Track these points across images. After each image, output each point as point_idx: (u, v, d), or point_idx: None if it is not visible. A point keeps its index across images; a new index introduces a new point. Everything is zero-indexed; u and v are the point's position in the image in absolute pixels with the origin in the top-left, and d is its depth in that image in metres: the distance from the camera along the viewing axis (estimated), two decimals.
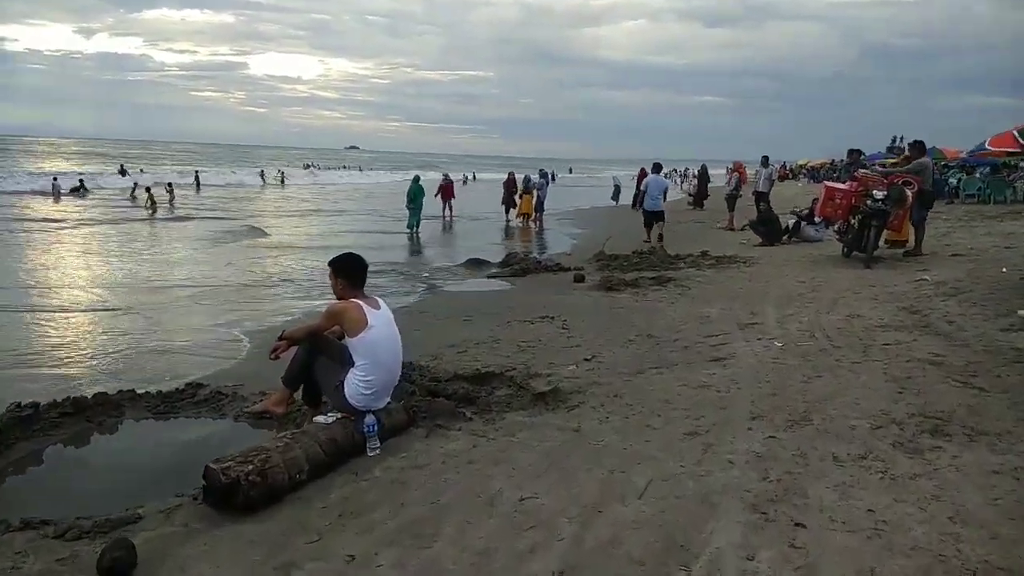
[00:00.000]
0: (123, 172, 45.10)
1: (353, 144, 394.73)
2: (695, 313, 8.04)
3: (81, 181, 35.30)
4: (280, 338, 4.60)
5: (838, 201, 12.08)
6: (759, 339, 6.65)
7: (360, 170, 71.08)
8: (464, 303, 9.36)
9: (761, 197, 17.29)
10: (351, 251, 4.72)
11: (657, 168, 17.24)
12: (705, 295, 9.20)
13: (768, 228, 14.71)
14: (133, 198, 30.02)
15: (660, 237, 16.80)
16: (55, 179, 33.86)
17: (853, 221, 11.57)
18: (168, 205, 28.63)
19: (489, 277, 11.75)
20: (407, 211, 19.56)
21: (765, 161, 18.98)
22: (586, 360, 6.16)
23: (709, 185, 29.41)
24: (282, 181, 50.69)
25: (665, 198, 17.21)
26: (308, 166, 68.39)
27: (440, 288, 10.80)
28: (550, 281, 11.11)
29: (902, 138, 53.28)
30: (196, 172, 44.81)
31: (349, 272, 4.45)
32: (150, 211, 26.45)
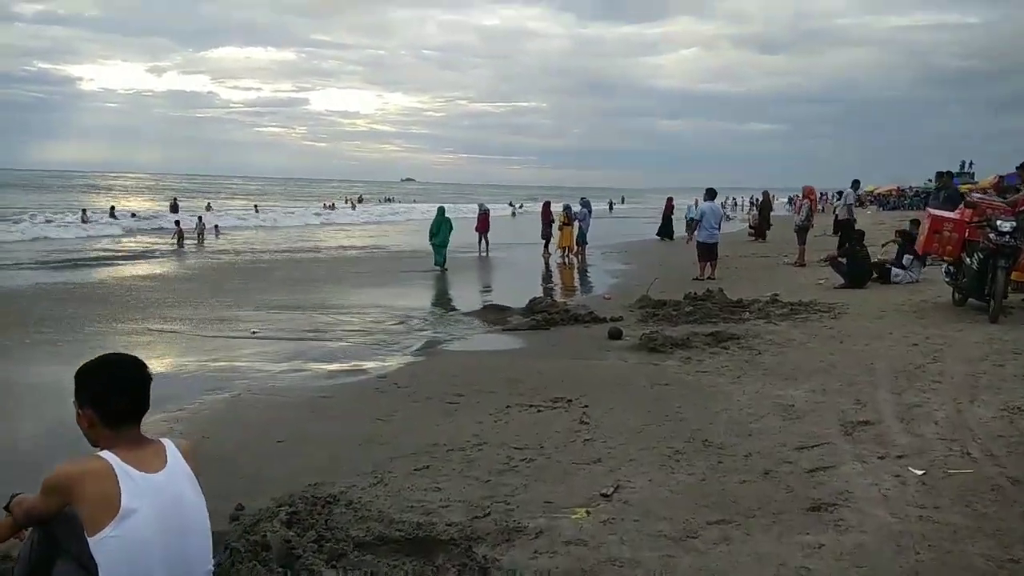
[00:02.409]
0: (175, 208, 43.70)
1: (409, 176, 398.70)
2: (772, 398, 5.67)
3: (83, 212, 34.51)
4: (6, 507, 2.43)
5: (947, 234, 9.56)
6: (880, 457, 4.26)
7: (394, 201, 69.27)
8: (460, 372, 7.15)
9: (846, 227, 14.80)
10: (112, 353, 2.49)
11: (711, 195, 14.89)
12: (783, 365, 6.80)
13: (854, 266, 12.14)
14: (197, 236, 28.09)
15: (712, 274, 14.46)
16: None
17: (969, 260, 9.01)
18: (196, 240, 27.46)
19: (505, 331, 9.54)
20: (431, 247, 17.52)
21: (856, 185, 16.62)
22: (604, 496, 3.88)
23: (772, 214, 26.81)
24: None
25: (720, 228, 14.83)
26: (360, 199, 66.92)
27: (440, 346, 8.63)
28: (579, 337, 8.85)
29: (971, 163, 48.92)
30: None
31: (101, 397, 2.26)
32: (175, 246, 25.37)
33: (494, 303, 11.47)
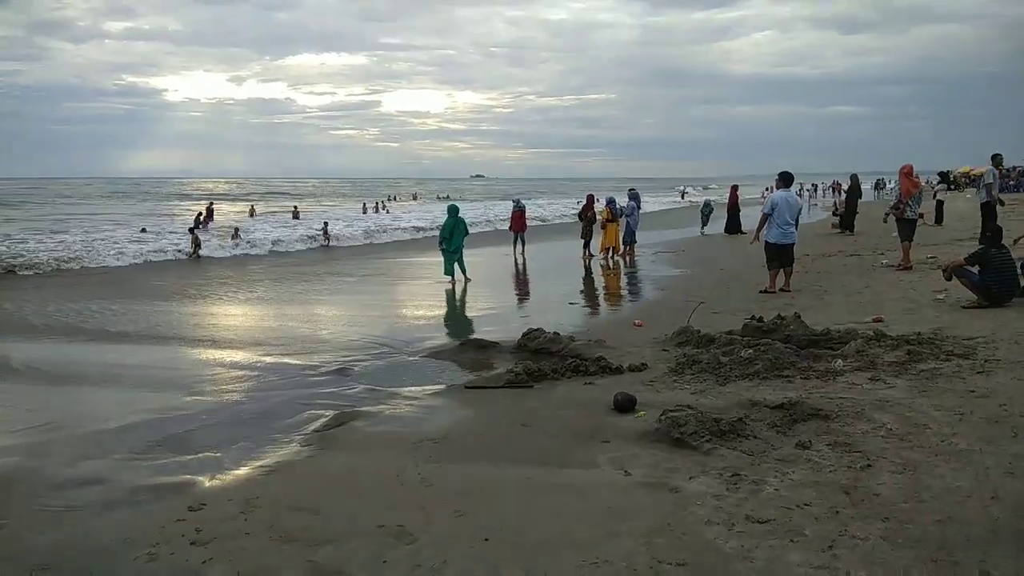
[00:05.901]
0: (209, 214, 40.28)
1: (479, 173, 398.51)
2: None
3: None
4: None
5: None
6: None
7: (449, 199, 65.21)
8: (328, 500, 4.13)
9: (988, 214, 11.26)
10: None
11: (786, 181, 11.34)
12: (920, 503, 3.52)
13: (992, 277, 8.54)
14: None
15: (787, 284, 11.04)
16: None
17: None
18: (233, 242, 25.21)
19: (467, 387, 6.47)
20: (442, 253, 14.53)
21: (998, 160, 13.25)
22: None
23: (860, 201, 22.77)
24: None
25: (797, 225, 11.37)
26: (391, 198, 63.68)
27: (351, 423, 5.59)
28: (569, 405, 5.71)
29: None
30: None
31: None
32: (193, 255, 23.29)
33: (480, 337, 8.43)
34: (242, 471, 4.66)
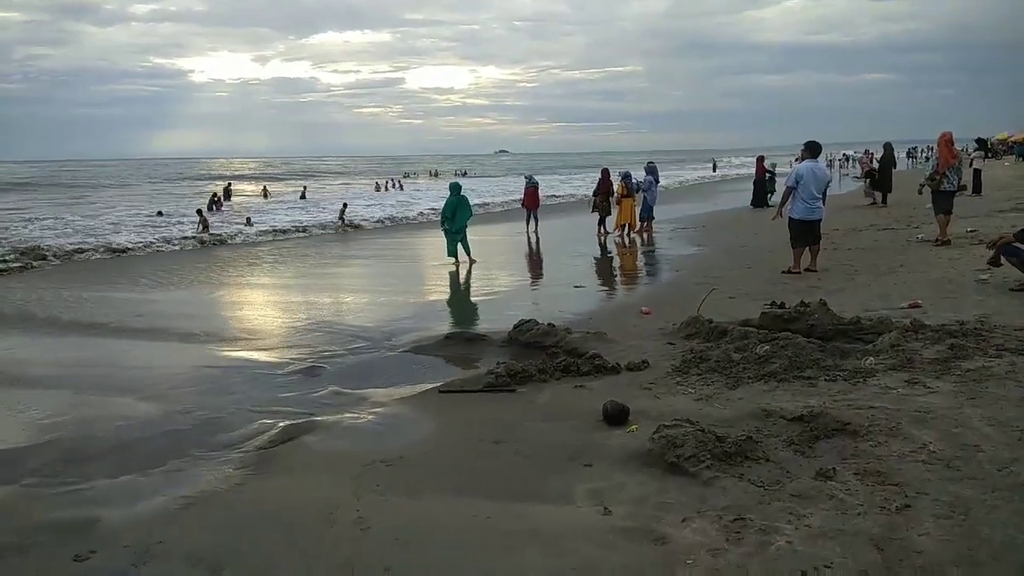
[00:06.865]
0: (227, 194, 39.52)
1: (503, 148, 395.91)
2: None
3: None
4: None
5: None
6: None
7: (468, 175, 64.92)
8: (239, 549, 3.42)
9: None
10: None
11: (814, 150, 10.32)
12: (971, 568, 2.70)
13: None
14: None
15: (813, 264, 10.13)
16: None
17: None
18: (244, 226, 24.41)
19: (441, 391, 5.71)
20: (444, 234, 13.77)
21: None
22: None
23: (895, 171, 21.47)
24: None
25: (825, 199, 10.38)
26: (407, 175, 64.09)
27: (300, 437, 4.86)
28: (555, 411, 4.94)
29: None
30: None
31: None
32: (200, 233, 22.74)
33: (468, 328, 7.68)
34: (156, 503, 3.96)
